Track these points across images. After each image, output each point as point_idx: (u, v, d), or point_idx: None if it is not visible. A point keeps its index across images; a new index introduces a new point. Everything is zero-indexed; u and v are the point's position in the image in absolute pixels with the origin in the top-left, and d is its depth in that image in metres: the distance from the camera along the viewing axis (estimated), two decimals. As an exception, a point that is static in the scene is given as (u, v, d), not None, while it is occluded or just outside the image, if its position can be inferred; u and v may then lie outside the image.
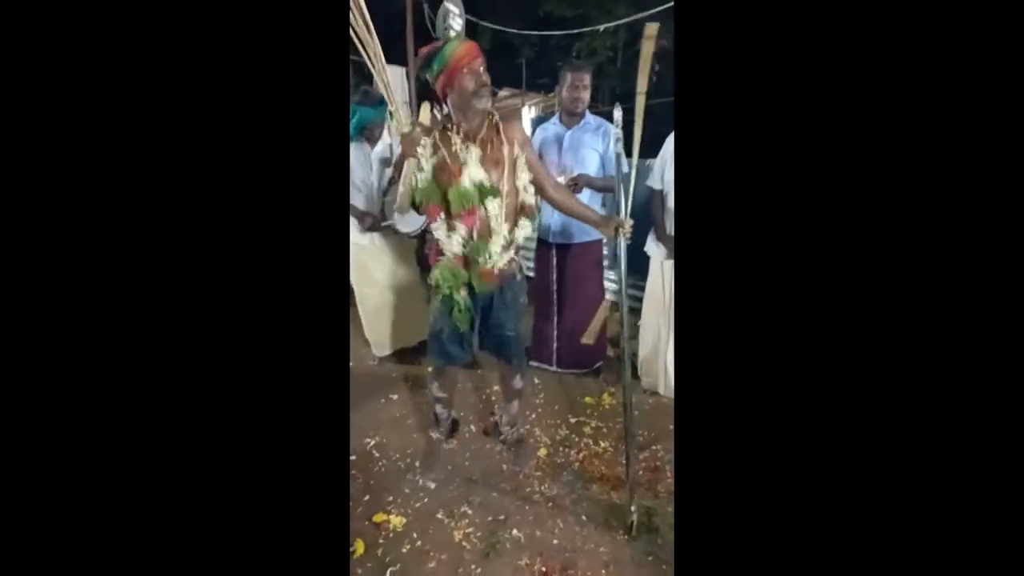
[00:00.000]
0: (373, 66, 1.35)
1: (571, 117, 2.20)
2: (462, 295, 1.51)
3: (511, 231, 1.50)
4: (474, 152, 1.42)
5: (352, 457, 1.90)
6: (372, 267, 2.40)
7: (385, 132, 2.28)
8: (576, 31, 4.04)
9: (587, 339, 1.82)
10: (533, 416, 2.16)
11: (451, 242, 1.48)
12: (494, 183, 1.44)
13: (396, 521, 1.60)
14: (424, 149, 1.44)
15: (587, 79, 2.15)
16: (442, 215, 1.47)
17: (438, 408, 1.90)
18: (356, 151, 2.23)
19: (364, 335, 2.59)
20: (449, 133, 1.45)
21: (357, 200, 2.27)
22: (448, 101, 1.43)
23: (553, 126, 2.27)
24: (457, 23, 1.26)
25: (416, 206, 1.50)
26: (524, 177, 1.48)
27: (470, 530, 1.57)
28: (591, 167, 2.19)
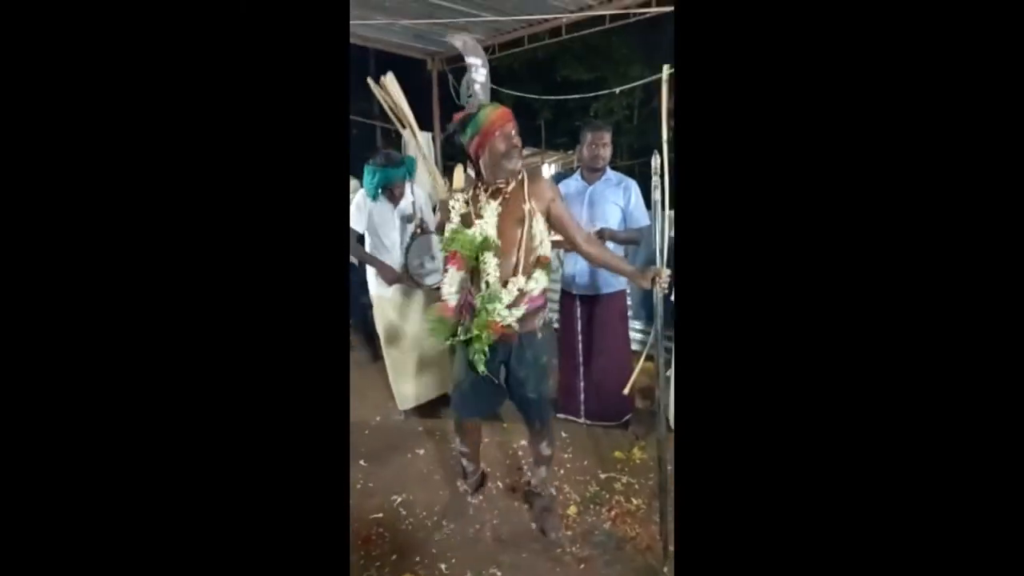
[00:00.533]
0: (414, 136, 1.49)
1: (592, 173, 2.28)
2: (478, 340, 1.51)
3: (526, 283, 1.51)
4: (493, 207, 1.49)
5: (379, 515, 1.87)
6: (397, 320, 2.45)
7: (407, 190, 2.39)
8: (592, 94, 4.24)
9: (627, 391, 1.84)
10: (562, 472, 2.10)
11: (446, 286, 1.56)
12: (508, 238, 1.49)
13: (423, 583, 1.54)
14: (456, 203, 1.54)
15: (607, 137, 2.24)
16: (453, 268, 1.56)
17: (464, 461, 1.90)
18: (380, 208, 2.34)
19: (389, 388, 2.60)
20: (478, 191, 1.54)
21: (382, 255, 2.36)
22: (480, 162, 1.50)
23: (575, 182, 2.34)
24: (479, 87, 1.32)
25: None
26: (540, 229, 1.52)
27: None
28: (613, 221, 2.24)
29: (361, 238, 2.42)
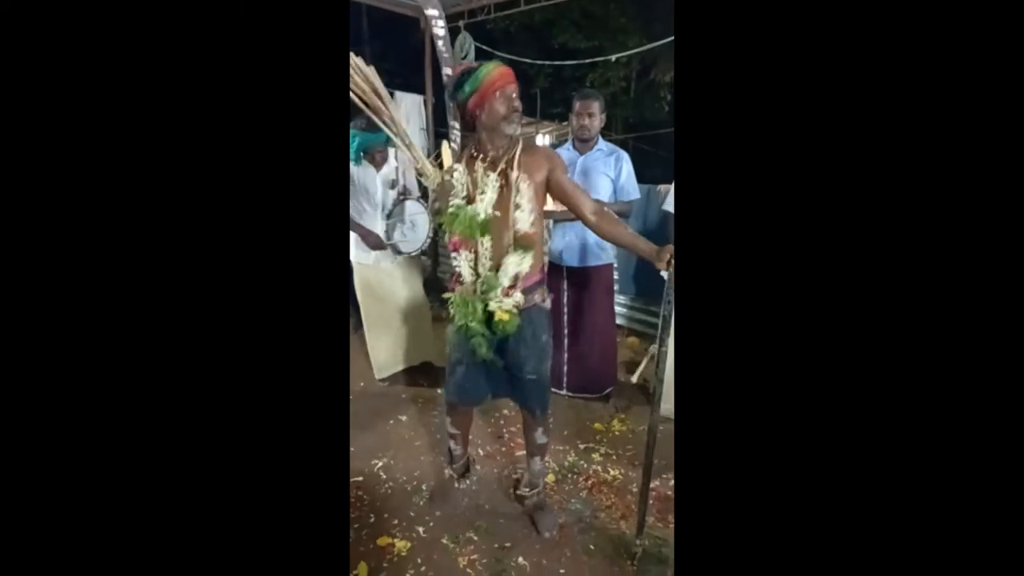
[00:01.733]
0: (392, 126, 1.41)
1: (584, 143, 2.24)
2: (479, 325, 1.42)
3: (520, 263, 1.39)
4: (493, 180, 1.36)
5: (359, 478, 1.88)
6: (377, 286, 2.43)
7: (391, 156, 2.36)
8: (589, 61, 4.13)
9: (636, 379, 1.82)
10: (542, 441, 2.13)
11: (463, 269, 1.44)
12: (503, 215, 1.38)
13: (400, 545, 1.57)
14: (456, 177, 1.41)
15: (594, 107, 2.18)
16: (462, 250, 1.44)
17: (452, 444, 1.78)
18: (362, 173, 2.30)
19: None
20: (474, 161, 1.41)
21: (364, 220, 2.33)
22: (476, 124, 1.38)
23: (567, 152, 2.30)
24: (441, 44, 1.23)
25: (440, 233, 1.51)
26: (528, 203, 1.39)
27: (475, 556, 1.54)
28: (603, 192, 2.21)
29: None
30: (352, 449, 2.06)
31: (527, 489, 1.72)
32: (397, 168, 2.35)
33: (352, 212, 2.35)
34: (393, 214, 2.30)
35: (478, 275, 1.42)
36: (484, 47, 3.94)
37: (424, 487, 1.84)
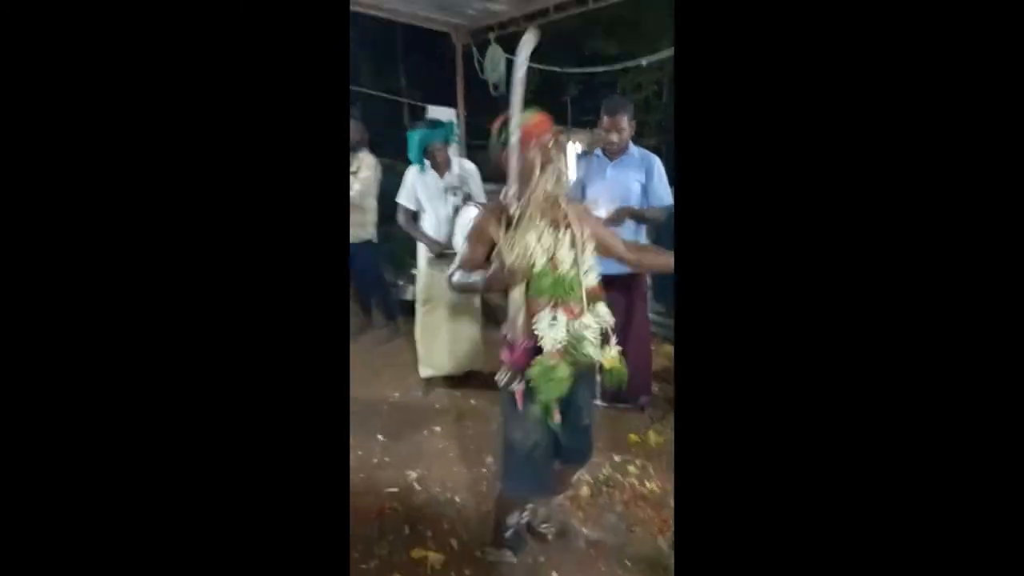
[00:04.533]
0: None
1: (613, 153, 2.22)
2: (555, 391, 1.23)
3: (604, 317, 1.29)
4: (562, 238, 1.25)
5: (393, 489, 1.90)
6: (436, 289, 2.48)
7: (454, 162, 2.42)
8: (620, 66, 4.09)
9: None
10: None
11: (554, 334, 1.22)
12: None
13: (435, 558, 1.57)
14: (532, 241, 1.22)
15: (623, 121, 2.15)
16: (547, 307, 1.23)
17: (509, 533, 1.54)
18: (427, 181, 2.41)
19: (413, 364, 2.63)
20: (528, 219, 1.24)
21: (427, 226, 2.46)
22: (510, 176, 1.25)
23: (597, 158, 2.28)
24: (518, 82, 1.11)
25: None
26: (590, 259, 1.28)
27: (514, 560, 1.52)
28: (633, 199, 2.18)
29: (416, 215, 2.51)
30: (387, 459, 2.08)
31: (545, 525, 1.63)
32: (460, 175, 2.44)
33: (423, 223, 2.48)
34: (456, 219, 2.36)
35: (568, 334, 1.23)
36: (512, 58, 3.96)
37: (458, 499, 1.84)
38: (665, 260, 1.41)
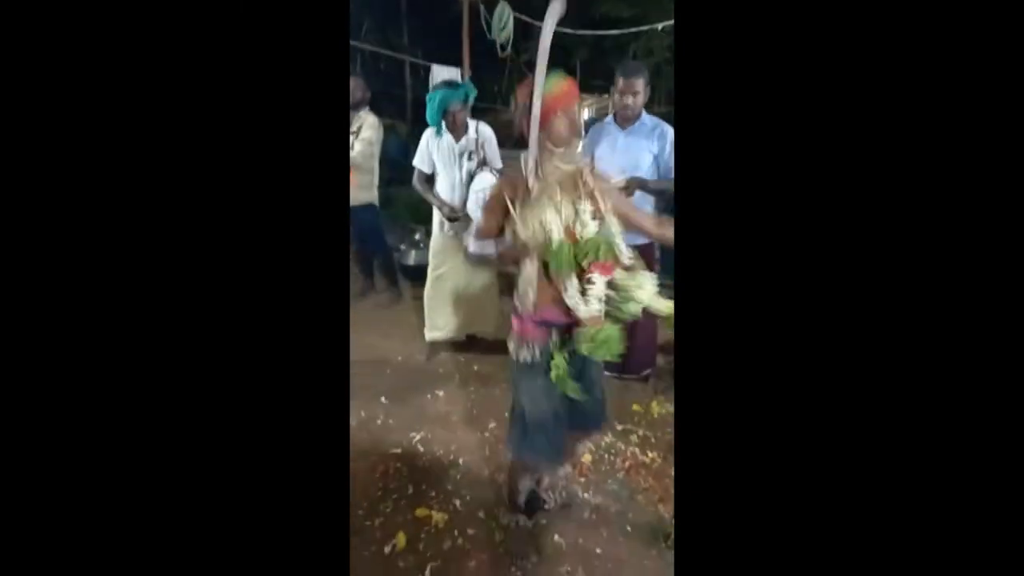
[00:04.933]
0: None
1: (625, 120, 2.16)
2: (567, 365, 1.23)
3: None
4: (583, 210, 1.20)
5: (397, 450, 1.93)
6: (448, 253, 2.46)
7: (471, 126, 2.37)
8: (632, 30, 3.96)
9: None
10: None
11: (593, 302, 1.19)
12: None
13: (438, 517, 1.60)
14: (549, 215, 1.18)
15: (639, 85, 2.08)
16: (572, 280, 1.20)
17: (520, 498, 1.56)
18: (442, 142, 2.36)
19: (415, 329, 2.63)
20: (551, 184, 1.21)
21: (442, 190, 2.41)
22: (534, 141, 1.18)
23: (608, 126, 2.23)
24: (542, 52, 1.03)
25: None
26: (615, 228, 1.23)
27: (527, 524, 1.55)
28: (645, 169, 2.13)
29: (430, 178, 2.46)
30: (391, 422, 2.11)
31: (548, 492, 1.64)
32: (476, 140, 2.37)
33: (438, 186, 2.43)
34: (471, 184, 2.32)
35: (611, 291, 1.21)
36: (523, 16, 3.83)
37: (461, 461, 1.87)
38: None
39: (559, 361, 1.22)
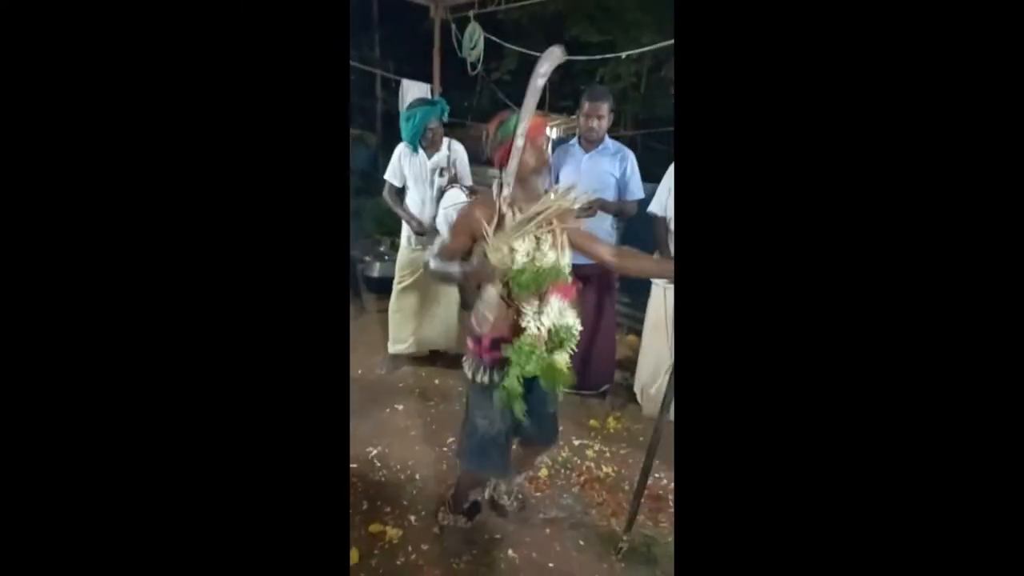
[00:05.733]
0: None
1: (590, 142, 2.23)
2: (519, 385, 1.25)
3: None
4: (544, 238, 1.27)
5: (353, 465, 1.90)
6: (414, 266, 2.48)
7: (445, 144, 2.40)
8: (600, 57, 4.10)
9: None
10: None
11: (541, 321, 1.24)
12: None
13: (392, 533, 1.59)
14: (517, 238, 1.23)
15: (604, 109, 2.17)
16: (533, 302, 1.25)
17: (464, 505, 1.64)
18: (418, 161, 2.39)
19: (377, 341, 2.61)
20: (515, 210, 1.27)
21: (412, 205, 2.44)
22: (504, 173, 1.26)
23: (573, 148, 2.30)
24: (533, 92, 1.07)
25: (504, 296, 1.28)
26: (567, 260, 1.31)
27: (467, 525, 1.56)
28: (608, 191, 2.21)
29: (401, 191, 2.48)
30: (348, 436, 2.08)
31: (507, 497, 1.70)
32: (449, 156, 2.40)
33: (408, 201, 2.45)
34: (440, 201, 2.34)
35: (545, 326, 1.26)
36: (494, 38, 3.91)
37: (418, 476, 1.86)
38: (643, 265, 1.47)
39: (512, 383, 1.24)
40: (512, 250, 1.22)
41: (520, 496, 1.74)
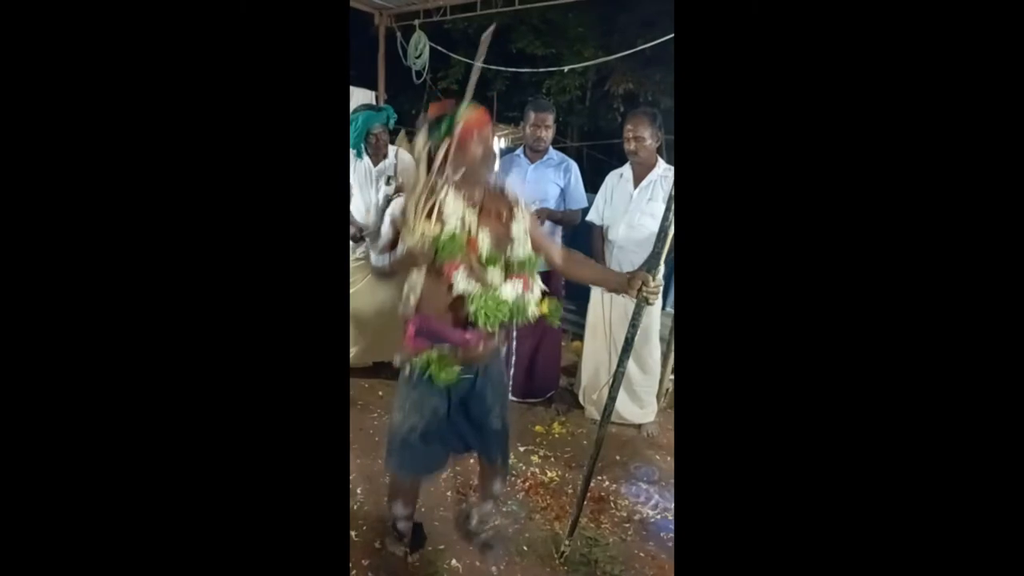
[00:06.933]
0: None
1: (535, 153, 2.28)
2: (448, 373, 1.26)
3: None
4: (514, 227, 1.29)
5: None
6: (357, 276, 2.43)
7: (391, 152, 2.38)
8: (544, 70, 4.19)
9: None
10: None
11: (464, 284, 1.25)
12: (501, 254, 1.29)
13: (332, 549, 1.54)
14: (448, 202, 1.24)
15: (549, 119, 2.23)
16: (462, 268, 1.24)
17: (400, 525, 1.52)
18: (359, 165, 2.35)
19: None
20: (459, 200, 1.27)
21: (355, 212, 2.40)
22: (449, 165, 1.25)
23: (518, 159, 2.33)
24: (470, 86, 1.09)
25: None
26: (525, 252, 1.32)
27: (410, 559, 1.52)
28: (552, 200, 2.26)
29: None
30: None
31: (480, 525, 1.64)
32: (395, 165, 2.37)
33: (352, 207, 2.39)
34: (384, 210, 2.29)
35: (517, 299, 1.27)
36: (440, 48, 3.92)
37: (359, 491, 1.81)
38: (587, 273, 1.49)
39: (449, 375, 1.24)
40: (426, 231, 1.21)
41: (494, 528, 1.65)
